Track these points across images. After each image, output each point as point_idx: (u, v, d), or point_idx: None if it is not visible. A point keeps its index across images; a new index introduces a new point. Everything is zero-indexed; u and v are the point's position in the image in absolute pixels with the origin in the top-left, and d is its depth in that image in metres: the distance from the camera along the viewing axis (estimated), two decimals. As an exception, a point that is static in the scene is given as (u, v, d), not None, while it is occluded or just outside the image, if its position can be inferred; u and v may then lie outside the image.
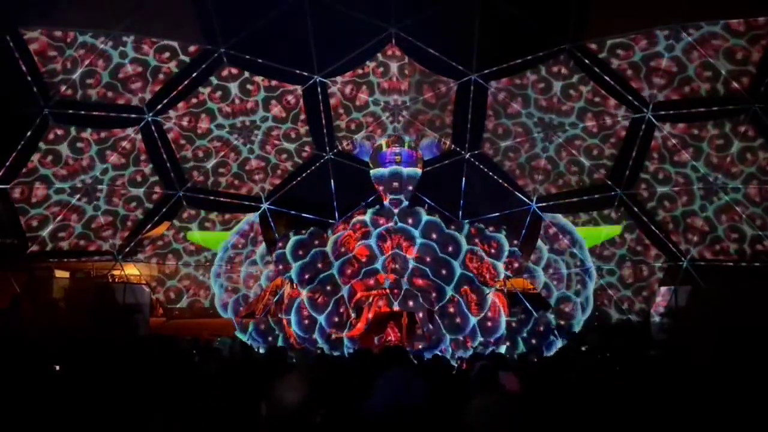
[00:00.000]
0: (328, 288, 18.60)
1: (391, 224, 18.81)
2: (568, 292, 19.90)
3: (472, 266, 18.54)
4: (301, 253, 19.13)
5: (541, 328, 18.49)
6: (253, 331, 19.11)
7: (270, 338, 18.81)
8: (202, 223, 21.81)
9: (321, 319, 18.49)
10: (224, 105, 21.23)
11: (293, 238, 19.39)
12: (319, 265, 18.90)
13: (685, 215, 19.46)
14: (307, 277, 18.88)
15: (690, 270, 18.92)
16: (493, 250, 18.73)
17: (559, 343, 18.07)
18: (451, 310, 18.08)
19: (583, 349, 16.35)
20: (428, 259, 18.32)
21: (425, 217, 19.15)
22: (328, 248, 19.12)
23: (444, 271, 18.24)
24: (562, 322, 19.05)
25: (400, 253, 18.46)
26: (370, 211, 19.61)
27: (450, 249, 18.50)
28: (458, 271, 18.30)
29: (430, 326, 18.08)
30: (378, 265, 18.48)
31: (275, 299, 20.84)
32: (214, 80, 20.76)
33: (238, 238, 21.64)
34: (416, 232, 18.75)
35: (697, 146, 19.02)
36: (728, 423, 3.39)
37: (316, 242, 19.43)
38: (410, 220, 18.98)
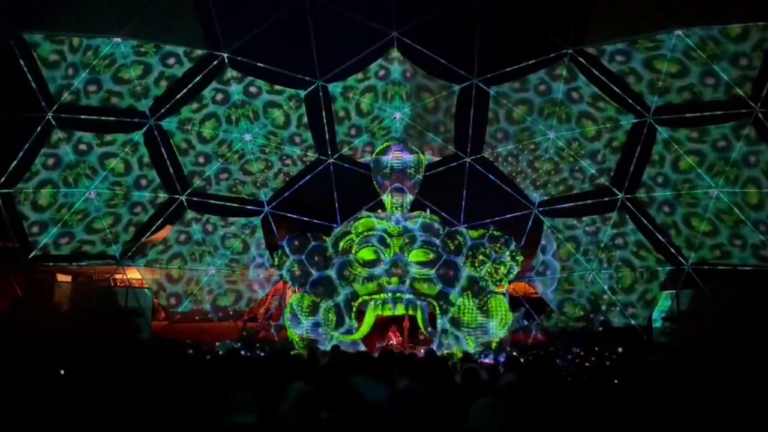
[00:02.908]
0: (330, 291, 18.58)
1: (393, 228, 18.76)
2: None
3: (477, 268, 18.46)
4: (306, 255, 19.11)
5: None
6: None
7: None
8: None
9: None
10: (226, 109, 21.32)
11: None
12: (322, 268, 18.88)
13: (687, 219, 19.40)
14: (310, 279, 18.88)
15: (692, 274, 18.87)
16: (494, 253, 18.68)
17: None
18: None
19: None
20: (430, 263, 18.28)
21: (425, 219, 19.14)
22: (331, 252, 19.11)
23: (451, 273, 18.19)
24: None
25: (403, 257, 18.37)
26: (371, 215, 19.59)
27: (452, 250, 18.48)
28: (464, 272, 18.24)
29: (432, 330, 18.03)
30: (380, 269, 18.41)
31: (276, 303, 20.83)
32: (216, 84, 20.84)
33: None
34: (419, 234, 18.70)
35: (699, 150, 18.97)
36: (728, 423, 3.39)
37: (319, 246, 19.41)
38: (410, 224, 18.95)
